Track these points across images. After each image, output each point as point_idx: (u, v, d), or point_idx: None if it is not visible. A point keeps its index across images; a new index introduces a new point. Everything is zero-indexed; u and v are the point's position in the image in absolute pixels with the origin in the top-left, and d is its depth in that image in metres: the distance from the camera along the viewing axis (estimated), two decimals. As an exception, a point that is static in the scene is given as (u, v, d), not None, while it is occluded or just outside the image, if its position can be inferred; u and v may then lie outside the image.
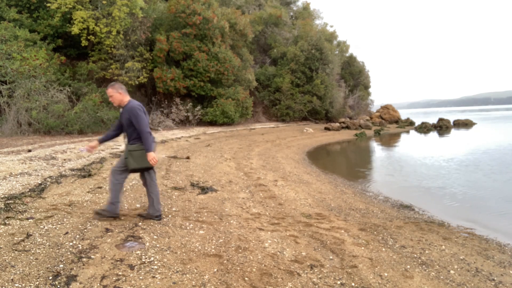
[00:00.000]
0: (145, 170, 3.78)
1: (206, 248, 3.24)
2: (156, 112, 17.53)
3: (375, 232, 4.25)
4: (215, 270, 2.79)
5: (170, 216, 4.15)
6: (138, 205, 4.49)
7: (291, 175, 8.03)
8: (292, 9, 36.42)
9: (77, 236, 3.20)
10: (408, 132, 25.16)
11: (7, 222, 3.40)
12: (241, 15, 22.43)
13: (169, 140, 12.51)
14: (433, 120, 31.00)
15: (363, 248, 3.64)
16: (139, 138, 3.62)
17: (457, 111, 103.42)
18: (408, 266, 3.27)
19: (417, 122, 30.09)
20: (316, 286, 2.72)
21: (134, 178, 6.02)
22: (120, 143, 10.33)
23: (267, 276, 2.78)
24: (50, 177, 5.47)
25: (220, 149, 11.43)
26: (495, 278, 3.17)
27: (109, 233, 3.34)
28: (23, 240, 3.01)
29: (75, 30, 14.31)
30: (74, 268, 2.60)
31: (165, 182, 6.02)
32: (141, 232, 3.46)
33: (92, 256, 2.81)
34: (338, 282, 2.82)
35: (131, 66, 16.07)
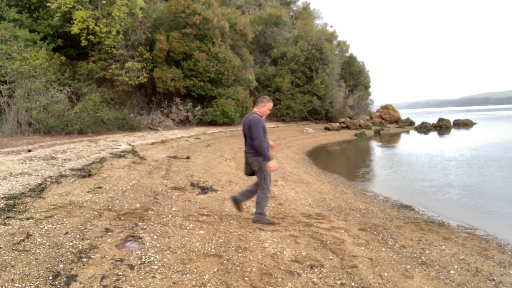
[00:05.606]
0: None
1: (206, 248, 3.24)
2: (156, 112, 17.55)
3: (375, 232, 4.25)
4: (215, 270, 2.79)
5: (170, 216, 4.14)
6: (138, 205, 4.49)
7: (291, 175, 8.03)
8: (292, 9, 36.43)
9: (77, 236, 3.20)
10: (408, 132, 25.16)
11: (7, 222, 3.40)
12: (241, 15, 22.43)
13: (169, 140, 12.51)
14: (433, 120, 30.99)
15: (363, 248, 3.64)
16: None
17: (457, 111, 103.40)
18: (408, 266, 3.27)
19: (417, 122, 30.10)
20: (316, 286, 2.72)
21: (134, 178, 6.03)
22: (120, 143, 10.33)
23: (267, 276, 2.78)
24: (50, 177, 5.47)
25: (220, 149, 11.43)
26: (495, 278, 3.17)
27: (109, 233, 3.34)
28: (23, 240, 3.01)
29: (75, 30, 14.33)
30: (74, 268, 2.59)
31: (165, 182, 6.02)
32: (141, 232, 3.46)
33: (92, 256, 2.81)
34: (338, 282, 2.81)
35: (131, 66, 16.07)
